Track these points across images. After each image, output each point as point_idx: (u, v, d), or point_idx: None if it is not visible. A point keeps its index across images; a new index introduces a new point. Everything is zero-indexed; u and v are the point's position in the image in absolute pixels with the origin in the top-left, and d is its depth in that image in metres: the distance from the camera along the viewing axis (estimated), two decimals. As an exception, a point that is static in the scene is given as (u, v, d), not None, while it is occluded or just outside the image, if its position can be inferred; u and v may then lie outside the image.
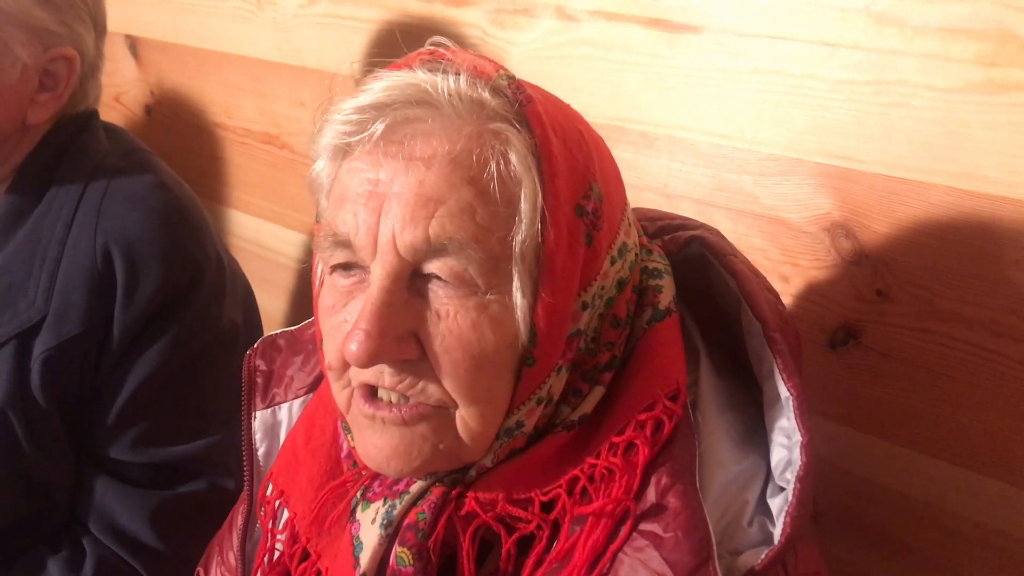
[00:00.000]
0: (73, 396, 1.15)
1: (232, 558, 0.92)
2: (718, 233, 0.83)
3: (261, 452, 0.92)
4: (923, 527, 0.94)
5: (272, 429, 0.92)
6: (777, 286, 0.99)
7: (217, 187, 1.71)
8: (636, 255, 0.77)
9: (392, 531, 0.74)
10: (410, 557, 0.72)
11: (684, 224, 0.86)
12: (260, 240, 1.66)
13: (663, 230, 0.85)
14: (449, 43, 0.73)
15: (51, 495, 1.18)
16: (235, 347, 1.25)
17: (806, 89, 0.94)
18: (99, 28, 1.24)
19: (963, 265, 0.88)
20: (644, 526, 0.68)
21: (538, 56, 1.16)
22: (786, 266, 0.99)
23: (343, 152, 0.72)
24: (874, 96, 0.90)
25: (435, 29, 1.25)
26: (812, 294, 0.98)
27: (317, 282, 0.78)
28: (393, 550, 0.73)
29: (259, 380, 0.93)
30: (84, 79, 1.22)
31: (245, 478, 0.92)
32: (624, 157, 1.10)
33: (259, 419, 0.92)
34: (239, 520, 0.91)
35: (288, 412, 0.92)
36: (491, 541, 0.74)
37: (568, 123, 0.73)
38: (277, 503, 0.86)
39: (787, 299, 0.99)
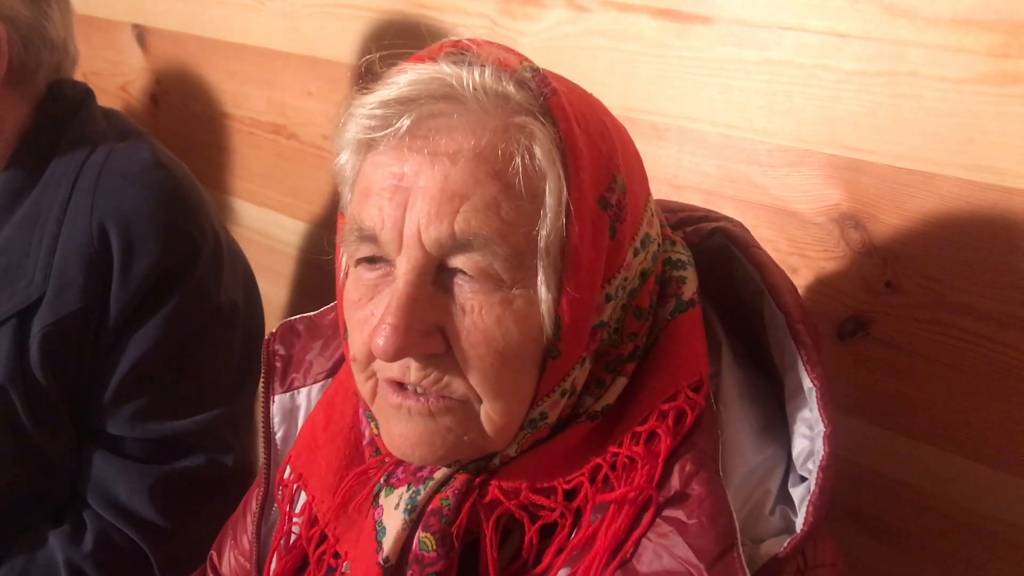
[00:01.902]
0: (72, 372, 1.17)
1: (246, 542, 0.93)
2: (741, 225, 0.83)
3: (279, 436, 0.93)
4: (931, 519, 0.95)
5: (291, 413, 0.93)
6: (786, 277, 1.00)
7: (224, 177, 1.71)
8: (659, 245, 0.77)
9: (416, 516, 0.74)
10: (433, 542, 0.73)
11: (707, 216, 0.86)
12: (267, 230, 1.66)
13: (685, 221, 0.86)
14: (473, 33, 0.73)
15: (52, 471, 1.19)
16: (234, 324, 1.27)
17: (816, 80, 0.94)
18: None
19: (973, 257, 0.88)
20: (668, 512, 0.68)
21: (548, 47, 1.16)
22: (795, 257, 0.99)
23: (367, 146, 0.72)
24: (885, 87, 0.90)
25: (444, 19, 1.25)
26: (821, 285, 0.98)
27: (341, 274, 0.78)
28: (416, 535, 0.74)
29: (278, 364, 0.94)
30: (28, 45, 1.21)
31: (263, 461, 0.92)
32: (633, 148, 1.10)
33: (278, 403, 0.93)
34: (254, 504, 0.92)
35: (307, 397, 0.93)
36: (512, 528, 0.74)
37: (592, 114, 0.73)
38: (295, 486, 0.86)
39: (796, 290, 1.00)
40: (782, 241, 1.00)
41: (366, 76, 0.73)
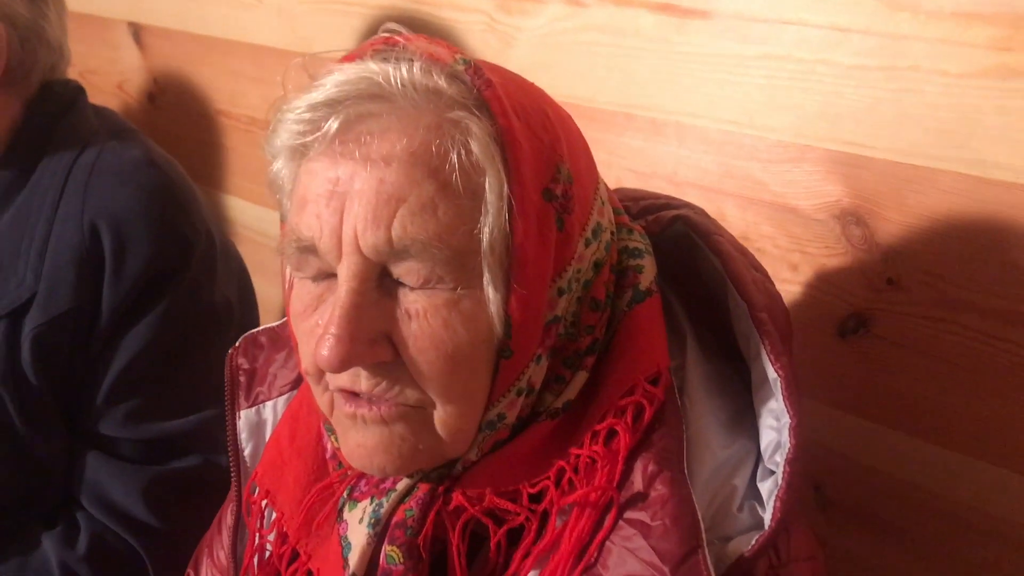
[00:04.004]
0: (64, 373, 1.16)
1: (223, 557, 0.91)
2: (702, 212, 0.82)
3: (247, 452, 0.91)
4: (933, 517, 0.94)
5: (258, 428, 0.91)
6: (786, 274, 0.99)
7: (220, 175, 1.70)
8: (612, 234, 0.75)
9: (380, 530, 0.73)
10: (400, 555, 0.71)
11: (668, 203, 0.84)
12: (263, 228, 1.65)
13: (647, 210, 0.84)
14: (403, 29, 0.70)
15: (46, 473, 1.19)
16: (229, 323, 1.27)
17: (817, 75, 0.93)
18: None
19: (975, 253, 0.87)
20: (631, 514, 0.67)
21: (545, 42, 1.15)
22: (796, 254, 0.99)
23: (299, 152, 0.69)
24: (886, 82, 0.89)
25: (441, 14, 1.25)
26: (822, 282, 0.97)
27: (287, 285, 0.76)
28: (383, 549, 0.72)
29: (242, 379, 0.92)
30: (25, 45, 1.21)
31: (232, 477, 0.91)
32: (632, 144, 1.10)
33: (244, 418, 0.91)
34: (228, 519, 0.90)
35: (273, 410, 0.91)
36: (482, 535, 0.72)
37: (532, 104, 0.70)
38: (264, 503, 0.85)
39: (797, 287, 0.99)
40: (783, 238, 0.99)
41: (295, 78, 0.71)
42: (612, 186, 0.94)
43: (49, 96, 1.24)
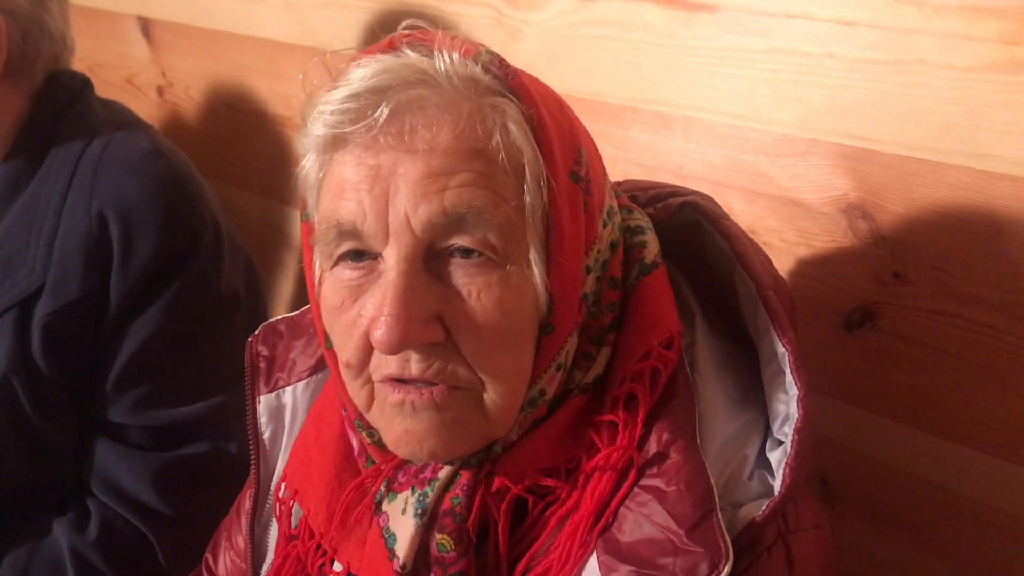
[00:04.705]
0: (74, 361, 1.17)
1: (241, 541, 0.92)
2: (710, 198, 0.84)
3: (267, 436, 0.92)
4: (938, 511, 0.94)
5: (277, 412, 0.92)
6: (793, 267, 0.99)
7: (229, 169, 1.71)
8: (619, 216, 0.78)
9: (428, 519, 0.74)
10: (451, 543, 0.72)
11: (675, 191, 0.86)
12: (274, 222, 1.66)
13: (655, 198, 0.86)
14: (424, 24, 0.72)
15: (56, 461, 1.20)
16: (236, 312, 1.28)
17: (824, 69, 0.93)
18: None
19: (981, 247, 0.87)
20: (647, 481, 0.69)
21: (553, 35, 1.15)
22: (802, 247, 0.99)
23: (336, 143, 0.70)
24: (892, 76, 0.89)
25: (448, 8, 1.25)
26: (828, 276, 0.97)
27: (316, 282, 0.76)
28: (432, 537, 0.73)
29: (262, 365, 0.93)
30: (27, 37, 1.21)
31: (251, 461, 0.92)
32: (639, 138, 1.10)
33: (264, 403, 0.92)
34: (247, 504, 0.92)
35: (292, 395, 0.92)
36: (518, 508, 0.74)
37: (548, 93, 0.74)
38: (293, 503, 0.86)
39: (803, 280, 0.99)
40: (789, 231, 0.99)
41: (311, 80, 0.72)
42: (619, 179, 0.94)
43: (56, 88, 1.25)
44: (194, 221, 1.21)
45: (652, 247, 0.78)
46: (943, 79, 0.86)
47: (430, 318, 0.67)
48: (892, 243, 0.92)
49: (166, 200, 1.19)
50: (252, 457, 0.91)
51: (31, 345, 1.15)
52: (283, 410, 0.93)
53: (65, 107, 1.25)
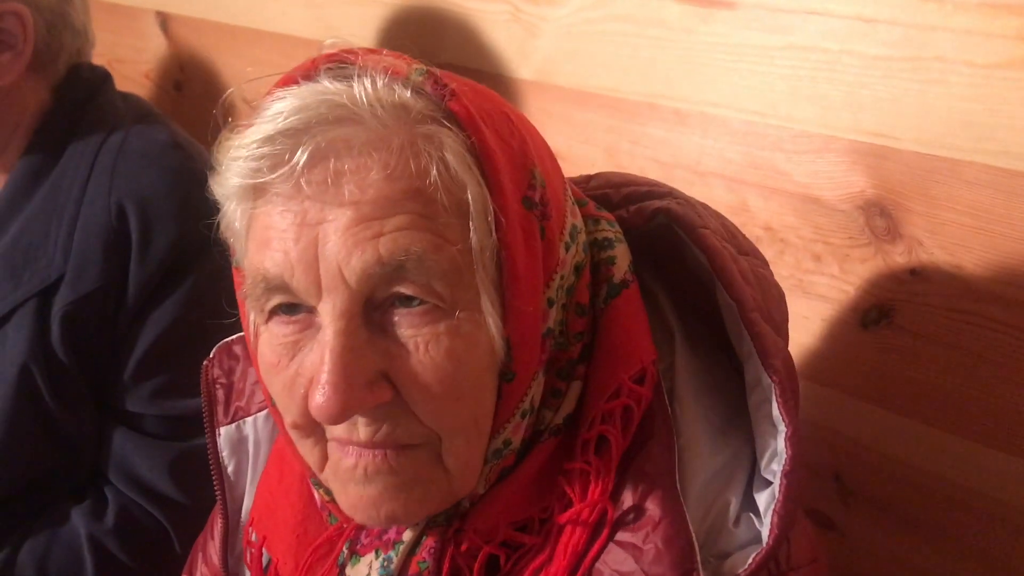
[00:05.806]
0: (93, 351, 1.19)
1: (216, 559, 0.88)
2: (686, 203, 0.76)
3: (231, 470, 0.86)
4: (954, 507, 0.94)
5: (239, 445, 0.87)
6: (810, 265, 0.99)
7: (247, 164, 1.71)
8: (584, 233, 0.72)
9: None
10: None
11: (651, 191, 0.79)
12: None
13: (629, 198, 0.79)
14: (347, 41, 0.66)
15: (75, 449, 1.21)
16: None
17: (842, 65, 0.93)
18: None
19: (1000, 245, 0.86)
20: (622, 536, 0.64)
21: (571, 32, 1.15)
22: (819, 244, 0.99)
23: (257, 191, 0.63)
24: (911, 72, 0.89)
25: (466, 5, 1.25)
26: (845, 273, 0.97)
27: (252, 336, 0.69)
28: None
29: (220, 394, 0.87)
30: (51, 30, 1.23)
31: (217, 495, 0.87)
32: (656, 134, 1.10)
33: (224, 435, 0.87)
34: (217, 538, 0.86)
35: (253, 426, 0.87)
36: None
37: (495, 108, 0.66)
38: (262, 548, 0.81)
39: (820, 278, 0.99)
40: (806, 228, 0.99)
41: (230, 110, 0.66)
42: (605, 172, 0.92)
43: (76, 81, 1.27)
44: (212, 212, 1.22)
45: (622, 262, 0.72)
46: (962, 76, 0.86)
47: (375, 378, 0.61)
48: (909, 240, 0.92)
49: (184, 192, 1.20)
50: (217, 491, 0.87)
51: (51, 335, 1.16)
52: (245, 442, 0.87)
53: (86, 100, 1.27)
